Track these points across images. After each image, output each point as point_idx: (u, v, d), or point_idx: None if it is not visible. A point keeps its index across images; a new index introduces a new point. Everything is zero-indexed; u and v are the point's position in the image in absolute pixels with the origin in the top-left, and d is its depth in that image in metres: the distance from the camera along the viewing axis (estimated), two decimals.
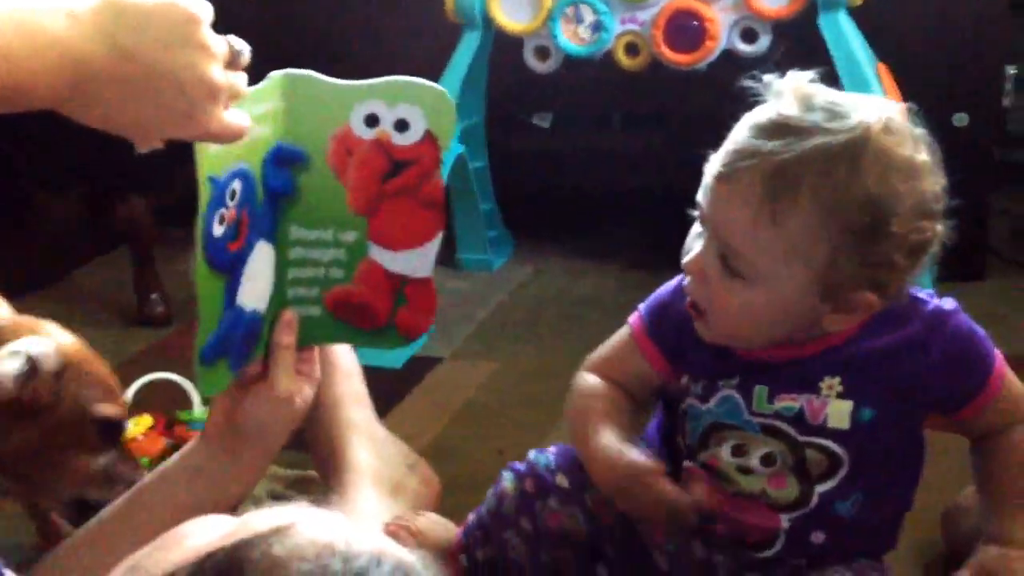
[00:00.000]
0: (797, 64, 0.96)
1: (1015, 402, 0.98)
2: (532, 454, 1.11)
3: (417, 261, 0.98)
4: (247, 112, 0.84)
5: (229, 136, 0.79)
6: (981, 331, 0.97)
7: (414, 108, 0.95)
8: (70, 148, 1.78)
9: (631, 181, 2.29)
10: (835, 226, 0.87)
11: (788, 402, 0.96)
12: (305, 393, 0.95)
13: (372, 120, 0.96)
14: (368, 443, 1.09)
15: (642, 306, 1.07)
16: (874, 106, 0.90)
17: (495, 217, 2.09)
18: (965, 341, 0.95)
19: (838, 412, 0.95)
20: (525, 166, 2.26)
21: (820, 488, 0.97)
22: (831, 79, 0.97)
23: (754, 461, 0.97)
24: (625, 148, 2.29)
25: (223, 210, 0.89)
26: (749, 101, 0.93)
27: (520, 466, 1.11)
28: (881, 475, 0.98)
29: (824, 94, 0.91)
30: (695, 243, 0.95)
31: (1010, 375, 0.98)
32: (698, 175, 0.94)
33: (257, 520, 0.50)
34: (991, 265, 1.89)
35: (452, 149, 1.87)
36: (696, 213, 0.95)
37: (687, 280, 0.97)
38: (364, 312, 0.99)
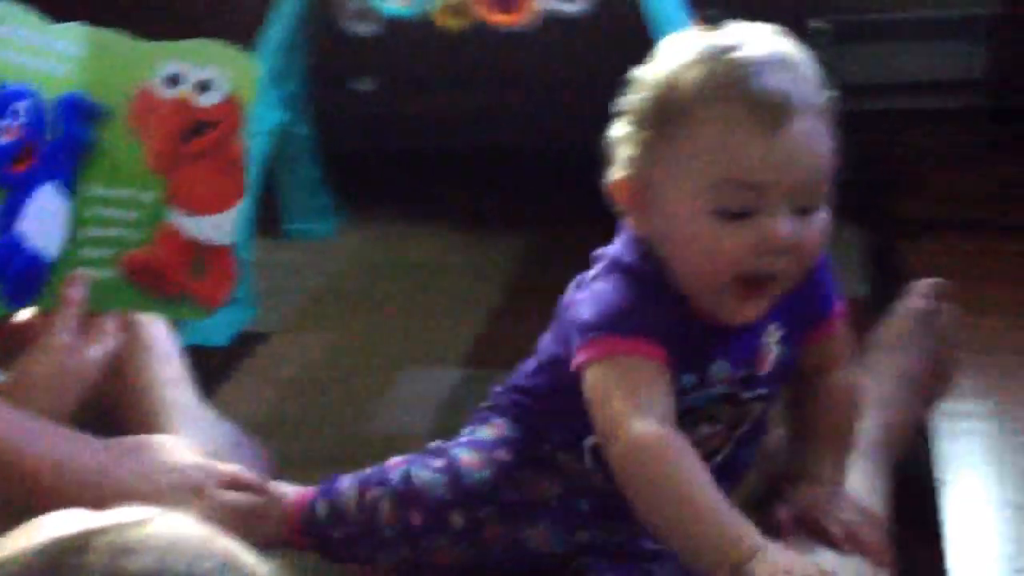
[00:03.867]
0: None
1: (843, 346, 1.02)
2: (415, 471, 1.05)
3: (217, 227, 0.98)
4: (42, 41, 0.88)
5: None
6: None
7: (217, 70, 0.97)
8: None
9: (459, 143, 2.28)
10: None
11: (745, 368, 0.96)
12: (90, 352, 0.94)
13: (174, 80, 0.97)
14: (191, 425, 1.05)
15: (609, 325, 0.91)
16: None
17: (322, 184, 2.05)
18: (823, 262, 0.98)
19: (776, 357, 0.97)
20: (351, 131, 2.22)
21: (736, 433, 0.99)
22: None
23: (705, 429, 0.97)
24: (452, 110, 2.27)
25: (5, 122, 0.89)
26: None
27: (397, 480, 1.05)
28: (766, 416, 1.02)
29: None
30: (764, 226, 0.86)
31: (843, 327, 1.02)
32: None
33: (118, 513, 0.50)
34: None
35: (273, 117, 1.81)
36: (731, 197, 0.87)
37: (768, 259, 0.87)
38: (161, 278, 0.98)
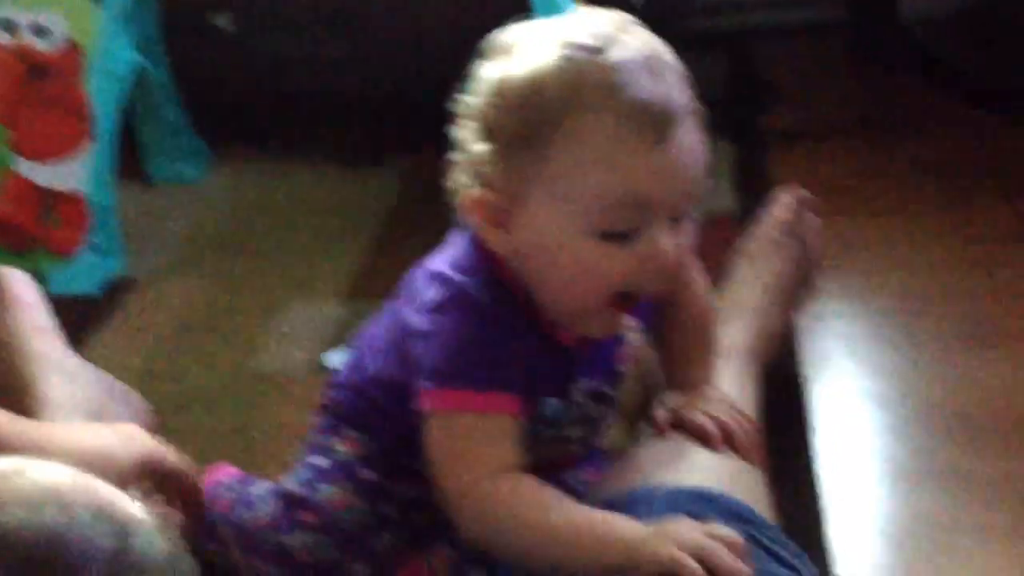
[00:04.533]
0: None
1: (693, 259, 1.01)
2: (289, 540, 0.96)
3: (65, 173, 0.96)
4: None
5: None
6: None
7: (53, 14, 0.93)
8: None
9: (323, 83, 2.24)
10: None
11: (608, 375, 0.93)
12: None
13: (9, 26, 0.93)
14: (60, 375, 1.03)
15: (460, 376, 0.84)
16: None
17: (185, 127, 1.99)
18: None
19: (637, 343, 0.95)
20: (213, 72, 2.15)
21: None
22: None
23: (577, 432, 0.95)
24: (314, 49, 2.23)
25: None
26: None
27: (277, 552, 0.97)
28: None
29: None
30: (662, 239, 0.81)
31: None
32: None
33: None
34: None
35: (128, 59, 1.75)
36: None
37: (650, 278, 0.83)
38: (10, 228, 0.95)
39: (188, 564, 0.51)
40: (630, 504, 0.84)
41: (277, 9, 2.18)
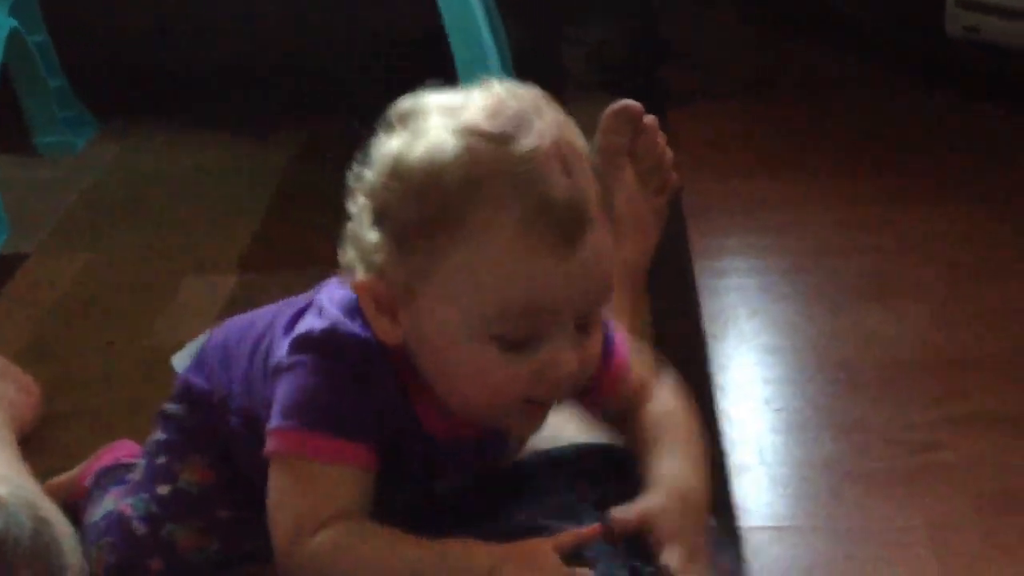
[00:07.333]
0: None
1: (639, 384, 0.87)
2: None
3: None
4: None
5: None
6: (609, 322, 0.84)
7: None
8: None
9: (213, 48, 2.19)
10: None
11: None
12: None
13: None
14: None
15: (305, 410, 0.75)
16: None
17: (68, 95, 1.93)
18: None
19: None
20: (94, 37, 2.09)
21: None
22: None
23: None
24: (196, 12, 2.17)
25: None
26: None
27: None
28: None
29: None
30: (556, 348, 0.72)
31: (632, 359, 0.86)
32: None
33: None
34: (568, 90, 1.99)
35: (3, 24, 1.68)
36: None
37: (551, 387, 0.74)
38: None
39: (59, 533, 0.48)
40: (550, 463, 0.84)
41: None
